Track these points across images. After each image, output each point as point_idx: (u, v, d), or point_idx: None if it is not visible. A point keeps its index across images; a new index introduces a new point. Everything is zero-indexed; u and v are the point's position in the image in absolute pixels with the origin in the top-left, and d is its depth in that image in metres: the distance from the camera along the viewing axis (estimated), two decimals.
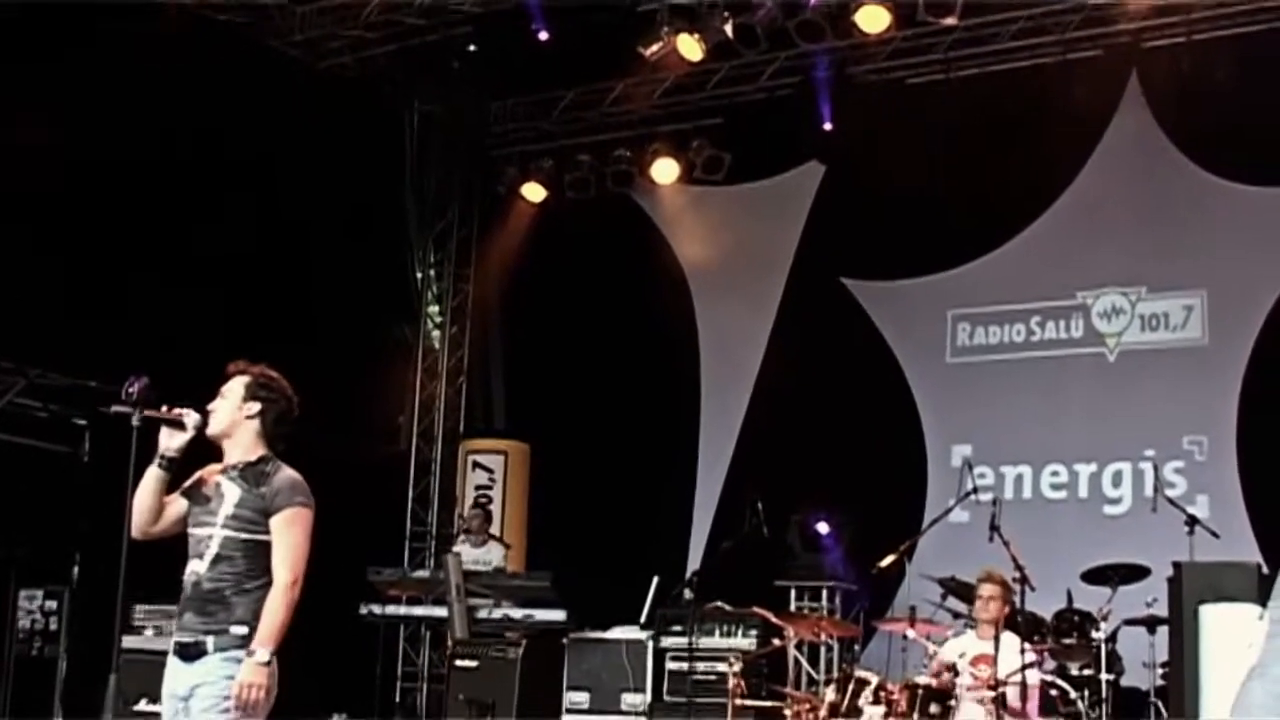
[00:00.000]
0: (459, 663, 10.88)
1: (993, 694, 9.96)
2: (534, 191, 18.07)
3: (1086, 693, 12.08)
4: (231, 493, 6.32)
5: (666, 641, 13.38)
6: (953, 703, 10.21)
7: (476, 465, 18.05)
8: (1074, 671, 12.21)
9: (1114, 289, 15.31)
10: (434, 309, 19.22)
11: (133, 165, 14.00)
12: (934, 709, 10.10)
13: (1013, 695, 10.12)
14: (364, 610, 14.74)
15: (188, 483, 6.44)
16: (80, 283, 13.99)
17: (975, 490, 12.53)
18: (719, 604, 13.17)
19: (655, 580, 13.78)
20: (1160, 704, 11.88)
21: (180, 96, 14.12)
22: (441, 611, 14.07)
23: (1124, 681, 12.54)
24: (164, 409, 6.32)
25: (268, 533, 6.24)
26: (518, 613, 13.82)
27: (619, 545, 15.51)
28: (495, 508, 17.43)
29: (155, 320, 13.22)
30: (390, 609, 14.87)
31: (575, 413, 17.15)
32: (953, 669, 10.63)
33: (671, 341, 17.36)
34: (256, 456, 6.45)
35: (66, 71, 13.38)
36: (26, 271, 13.85)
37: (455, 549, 14.83)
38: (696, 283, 17.60)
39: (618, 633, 13.73)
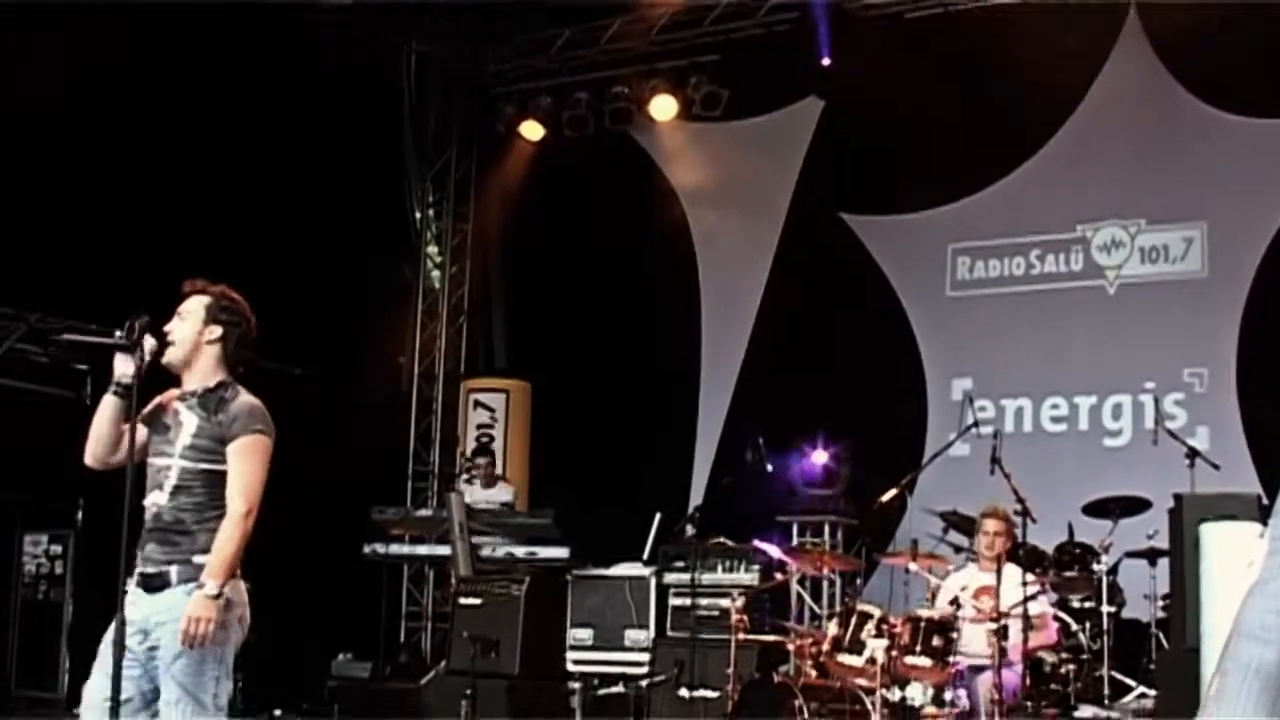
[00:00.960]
0: (463, 601, 10.90)
1: (995, 626, 9.98)
2: (532, 130, 18.01)
3: (1088, 625, 12.15)
4: (190, 421, 6.08)
5: (669, 577, 13.41)
6: (955, 635, 10.24)
7: (478, 404, 18.06)
8: (1075, 604, 12.27)
9: (1113, 222, 15.29)
10: (433, 249, 19.20)
11: (128, 106, 13.95)
12: (937, 641, 10.12)
13: (1015, 627, 10.15)
14: (367, 550, 14.80)
15: (146, 409, 6.16)
16: (77, 226, 13.98)
17: (976, 424, 12.54)
18: (721, 539, 13.21)
19: (657, 516, 13.80)
20: (1161, 635, 11.94)
21: (174, 37, 14.05)
22: (445, 550, 14.11)
23: (1125, 613, 12.61)
24: (116, 333, 6.02)
25: (226, 461, 6.01)
26: (520, 550, 13.86)
27: (621, 482, 15.55)
28: (497, 446, 17.42)
29: (154, 262, 13.20)
30: (394, 548, 14.93)
31: (576, 351, 17.15)
32: (955, 602, 10.67)
33: (671, 278, 17.35)
34: (215, 382, 6.19)
35: (63, 14, 13.32)
36: (24, 216, 13.85)
37: (461, 490, 14.84)
38: (696, 219, 17.58)
39: (620, 569, 13.75)
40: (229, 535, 5.90)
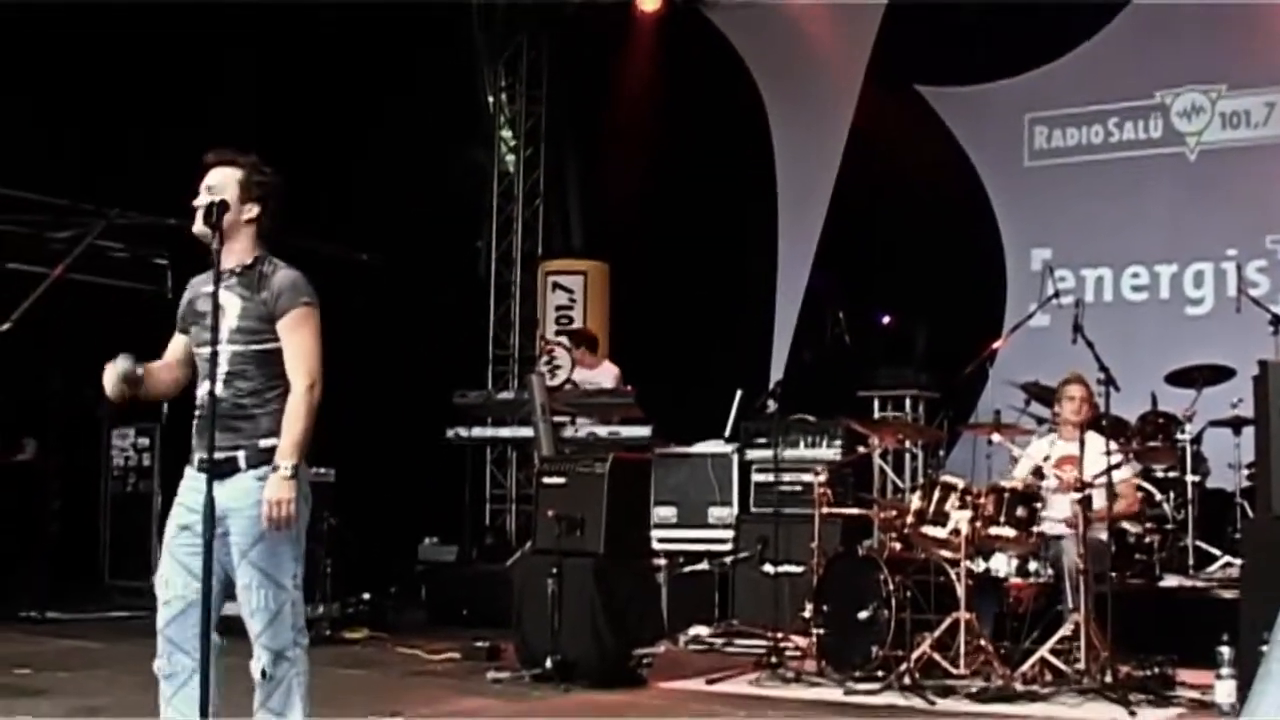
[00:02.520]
0: (546, 480, 10.90)
1: (1078, 496, 9.95)
2: (604, 10, 17.88)
3: (1172, 495, 12.11)
4: (232, 304, 5.82)
5: (751, 454, 13.46)
6: (1039, 505, 10.21)
7: (556, 286, 18.08)
8: (1159, 474, 12.23)
9: (1193, 87, 15.09)
10: (507, 133, 19.19)
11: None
12: (1020, 512, 10.09)
13: (1099, 497, 10.11)
14: (450, 434, 14.88)
15: (179, 312, 6.05)
16: (155, 119, 14.03)
17: (1057, 294, 12.47)
18: (802, 415, 13.22)
19: (738, 393, 13.83)
20: (1246, 504, 11.89)
21: None
22: (527, 432, 14.17)
23: (1209, 483, 12.57)
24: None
25: (277, 339, 5.78)
26: (603, 430, 13.91)
27: (701, 360, 15.55)
28: (577, 327, 17.48)
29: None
30: (476, 431, 15.02)
31: (653, 230, 17.13)
32: (1038, 472, 10.64)
33: (746, 155, 17.25)
34: (253, 258, 5.93)
35: None
36: (101, 111, 13.90)
37: (540, 370, 14.88)
38: (770, 95, 17.45)
39: (703, 447, 13.81)
40: (296, 412, 5.74)
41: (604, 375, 15.18)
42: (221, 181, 5.86)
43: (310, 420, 5.75)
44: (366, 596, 13.60)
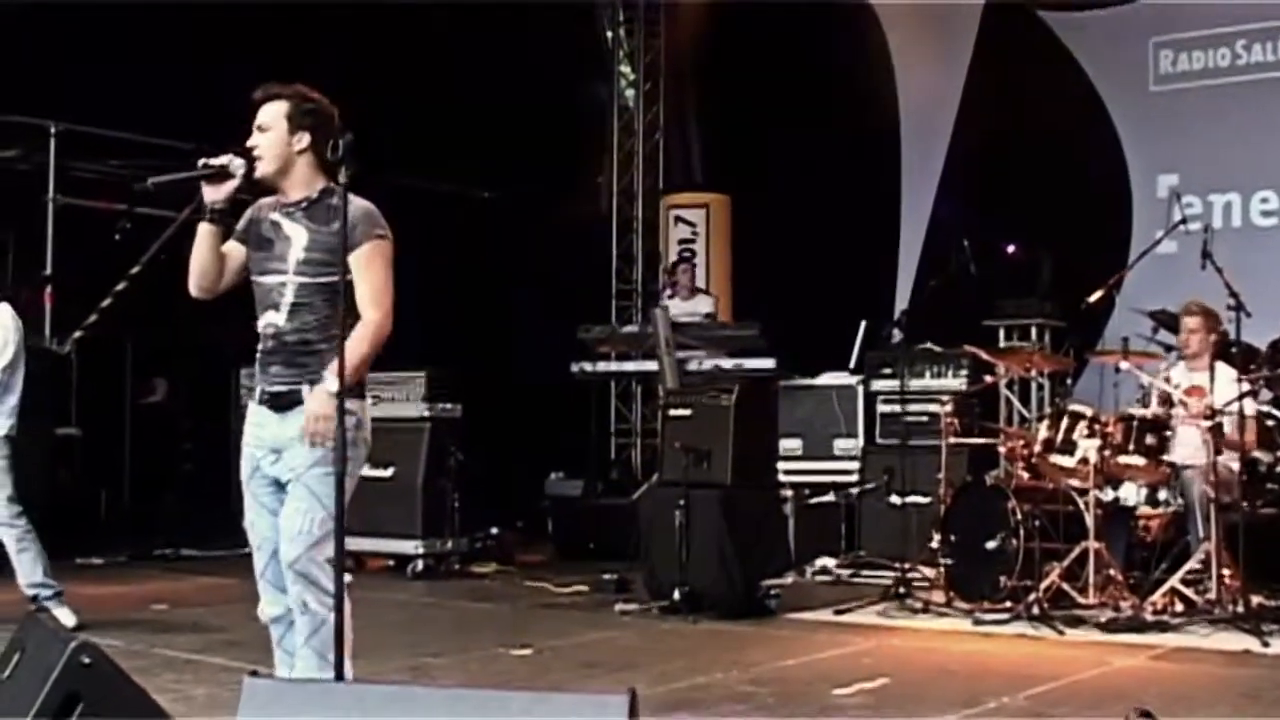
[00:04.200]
0: (672, 412, 10.90)
1: (1208, 424, 9.83)
2: None
3: None
4: (298, 235, 5.70)
5: (876, 385, 13.42)
6: (1169, 434, 10.11)
7: (678, 220, 18.06)
8: None
9: None
10: (626, 68, 19.16)
11: None
12: (1150, 440, 10.00)
13: (1229, 426, 9.99)
14: (575, 369, 14.91)
15: (240, 224, 5.83)
16: (276, 57, 14.10)
17: (1185, 220, 12.30)
18: (928, 345, 13.15)
19: (863, 324, 13.77)
20: None
21: None
22: (651, 366, 14.20)
23: None
24: (200, 163, 5.64)
25: (346, 271, 5.53)
26: (727, 363, 13.89)
27: (825, 291, 15.43)
28: (699, 261, 17.46)
29: (345, 90, 13.28)
30: (601, 366, 15.05)
31: (774, 162, 17.03)
32: (1166, 400, 10.52)
33: (867, 85, 17.08)
34: (319, 190, 5.75)
35: None
36: (231, 50, 13.99)
37: (664, 304, 14.88)
38: (890, 24, 17.28)
39: (827, 378, 13.78)
40: (361, 336, 5.53)
41: (700, 305, 15.18)
42: (270, 117, 5.74)
43: (373, 350, 5.58)
44: (494, 531, 13.70)
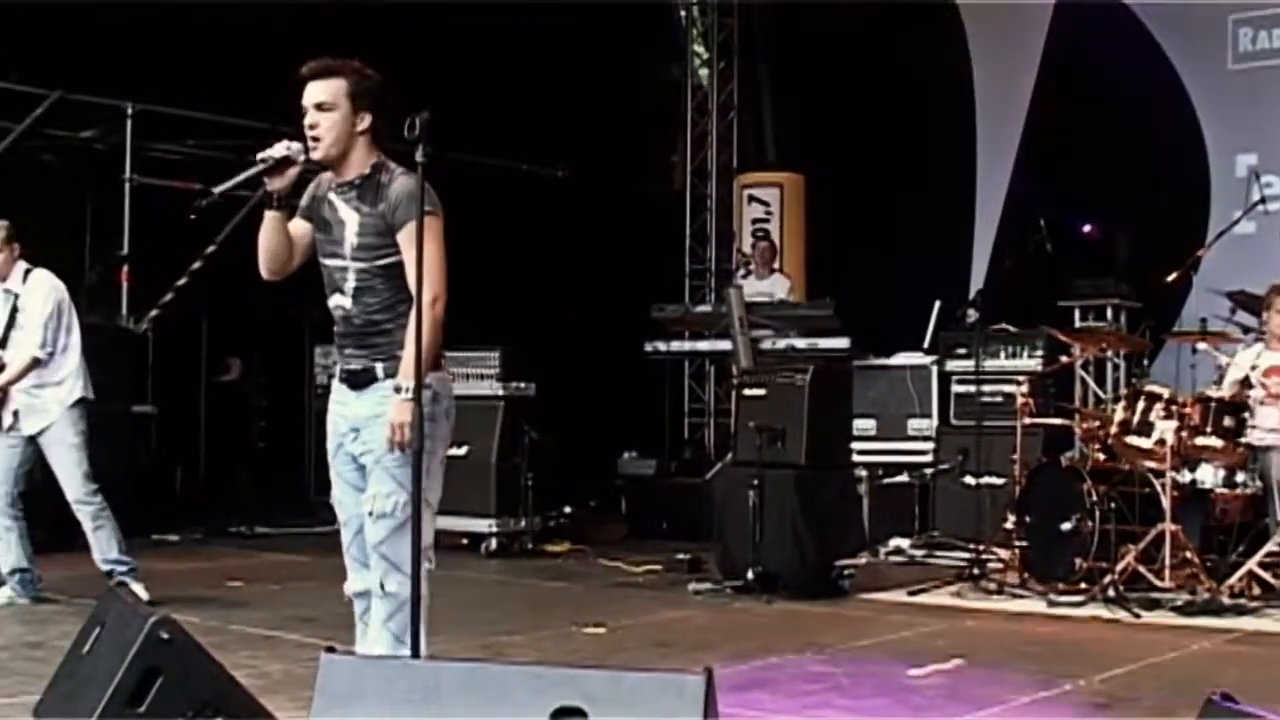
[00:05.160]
0: (747, 392, 10.90)
1: None
2: None
3: None
4: (350, 219, 5.64)
5: (951, 365, 13.36)
6: (1247, 415, 10.03)
7: (752, 199, 18.02)
8: None
9: None
10: (699, 47, 19.16)
11: None
12: (1228, 422, 9.93)
13: None
14: (648, 348, 14.91)
15: (303, 200, 5.78)
16: (344, 36, 14.14)
17: (1264, 200, 12.21)
18: (1003, 325, 13.10)
19: (937, 304, 13.72)
20: None
21: None
22: (725, 345, 14.17)
23: None
24: (259, 156, 5.59)
25: (400, 251, 5.54)
26: (801, 342, 13.85)
27: (899, 270, 15.38)
28: (773, 240, 17.44)
29: (420, 67, 13.33)
30: (674, 345, 15.05)
31: (848, 140, 16.97)
32: (1245, 381, 10.43)
33: (942, 61, 17.00)
34: (370, 167, 5.65)
35: None
36: (304, 32, 14.05)
37: (738, 283, 14.86)
38: (966, 2, 17.18)
39: (902, 358, 13.73)
40: (421, 327, 5.34)
41: (776, 286, 15.15)
42: (331, 96, 5.58)
43: (434, 335, 5.46)
44: (567, 510, 13.74)
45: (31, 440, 9.39)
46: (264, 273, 5.79)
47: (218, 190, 5.64)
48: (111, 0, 12.98)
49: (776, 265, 15.81)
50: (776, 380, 10.71)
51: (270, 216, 5.67)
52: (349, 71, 5.61)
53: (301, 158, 5.58)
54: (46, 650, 7.54)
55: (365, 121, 5.61)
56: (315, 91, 5.60)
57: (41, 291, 9.45)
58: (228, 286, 13.74)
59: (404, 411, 5.36)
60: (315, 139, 5.57)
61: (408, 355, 5.38)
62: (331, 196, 5.71)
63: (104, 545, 9.36)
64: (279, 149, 5.56)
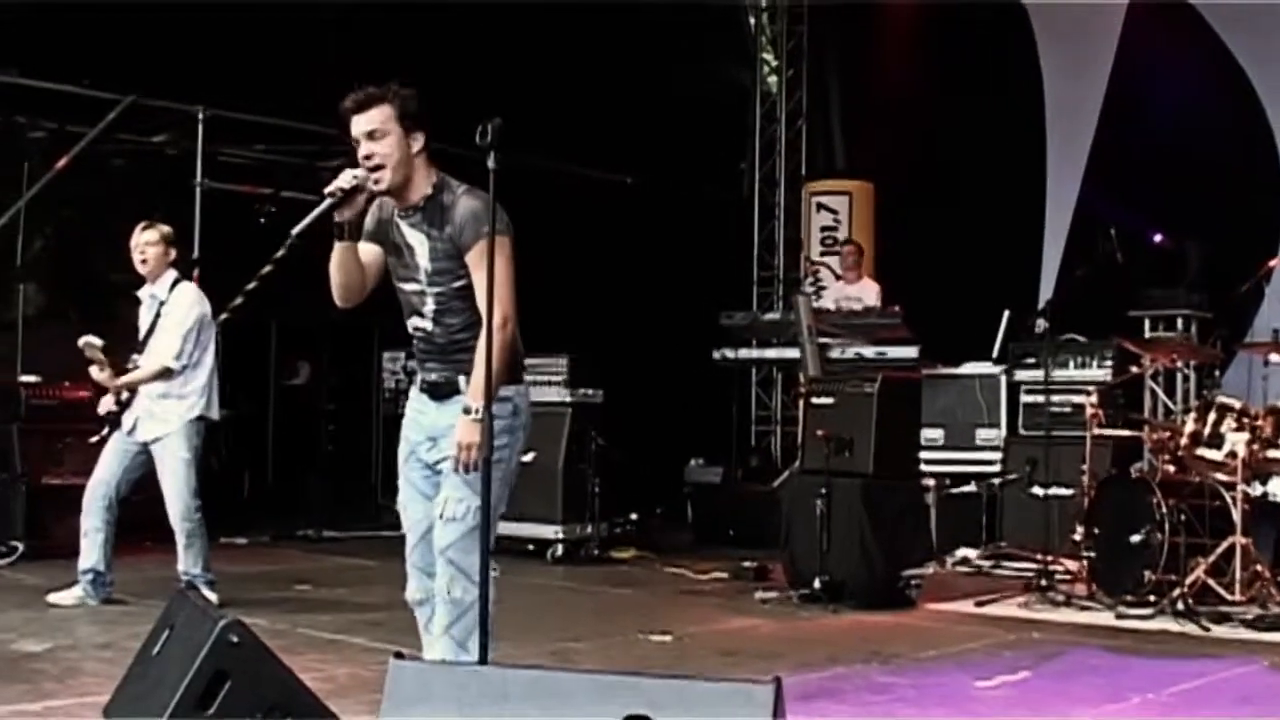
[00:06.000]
0: (815, 400, 10.89)
1: None
2: None
3: None
4: (420, 244, 5.62)
5: (1020, 375, 13.32)
6: None
7: (820, 207, 18.01)
8: None
9: None
10: (768, 53, 19.15)
11: None
12: None
13: None
14: (716, 355, 14.92)
15: (368, 225, 5.71)
16: (414, 44, 14.21)
17: None
18: (1073, 335, 13.05)
19: (1006, 313, 13.68)
20: None
21: None
22: (792, 353, 14.17)
23: None
24: (327, 191, 5.46)
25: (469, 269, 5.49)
26: (869, 351, 13.84)
27: (968, 279, 15.33)
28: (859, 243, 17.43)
29: (489, 75, 13.38)
30: (742, 352, 15.04)
31: (917, 148, 16.94)
32: None
33: (1012, 69, 16.95)
34: (431, 187, 5.62)
35: None
36: (370, 38, 14.12)
37: (806, 290, 14.85)
38: (1035, 6, 17.10)
39: (970, 368, 13.69)
40: (491, 349, 5.31)
41: (866, 291, 15.10)
42: (381, 123, 5.54)
43: (504, 357, 5.44)
44: (634, 517, 13.73)
45: (145, 449, 9.46)
46: (339, 302, 5.73)
47: (294, 232, 5.54)
48: (182, 4, 13.08)
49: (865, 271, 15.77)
50: (845, 389, 10.70)
51: (341, 247, 5.62)
52: (391, 96, 5.59)
53: (369, 187, 5.54)
54: (116, 651, 7.59)
55: (419, 141, 5.59)
56: (363, 122, 5.57)
57: (186, 303, 9.53)
58: (297, 290, 13.84)
59: (472, 432, 5.37)
60: (377, 168, 5.53)
61: (476, 376, 5.39)
62: (398, 220, 5.69)
63: (190, 560, 9.42)
64: (346, 179, 5.50)
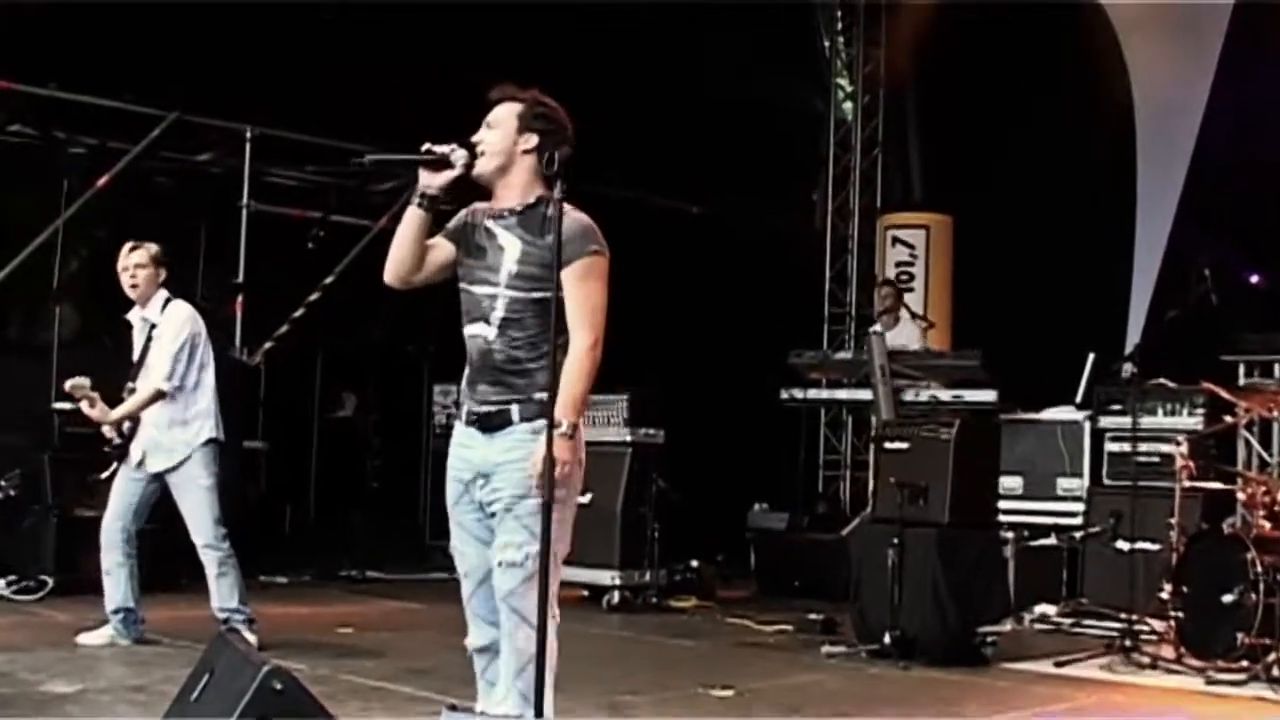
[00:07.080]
0: (888, 445, 10.86)
1: None
2: None
3: None
4: (511, 245, 5.63)
5: (1105, 421, 13.23)
6: None
7: (896, 241, 18.00)
8: None
9: None
10: (844, 80, 19.15)
11: None
12: None
13: None
14: (784, 395, 14.89)
15: (452, 223, 5.79)
16: (483, 67, 14.27)
17: None
18: (1162, 380, 12.95)
19: (1092, 356, 13.61)
20: None
21: None
22: (864, 395, 14.14)
23: None
24: (423, 148, 5.61)
25: (559, 288, 5.47)
26: (945, 394, 13.79)
27: (1052, 319, 15.27)
28: (918, 284, 17.39)
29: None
30: (811, 393, 15.01)
31: (999, 181, 16.89)
32: None
33: (1101, 99, 16.87)
34: (535, 198, 5.68)
35: None
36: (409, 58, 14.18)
37: (877, 329, 14.81)
38: (1126, 37, 17.05)
39: (1052, 413, 13.62)
40: (579, 372, 5.47)
41: (908, 335, 15.06)
42: (500, 115, 5.71)
43: (591, 380, 5.51)
44: (694, 564, 13.71)
45: (156, 478, 9.50)
46: (388, 276, 5.75)
47: (369, 157, 5.76)
48: (231, 17, 13.16)
49: (917, 312, 15.73)
50: (920, 433, 10.66)
51: (413, 214, 5.66)
52: (525, 98, 5.73)
53: (461, 164, 5.60)
54: (149, 695, 7.61)
55: (530, 142, 5.66)
56: (491, 114, 5.73)
57: (176, 323, 9.56)
58: (344, 318, 13.90)
59: (564, 450, 5.32)
60: (480, 152, 5.64)
61: (565, 393, 5.37)
62: (489, 223, 5.71)
63: (225, 593, 9.43)
64: (444, 147, 5.61)
